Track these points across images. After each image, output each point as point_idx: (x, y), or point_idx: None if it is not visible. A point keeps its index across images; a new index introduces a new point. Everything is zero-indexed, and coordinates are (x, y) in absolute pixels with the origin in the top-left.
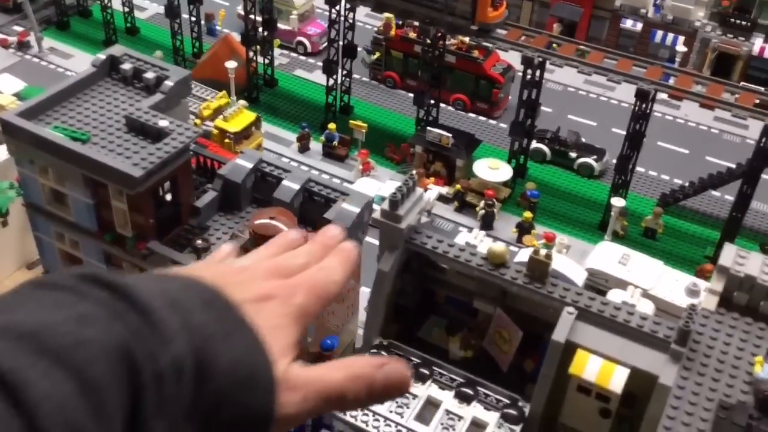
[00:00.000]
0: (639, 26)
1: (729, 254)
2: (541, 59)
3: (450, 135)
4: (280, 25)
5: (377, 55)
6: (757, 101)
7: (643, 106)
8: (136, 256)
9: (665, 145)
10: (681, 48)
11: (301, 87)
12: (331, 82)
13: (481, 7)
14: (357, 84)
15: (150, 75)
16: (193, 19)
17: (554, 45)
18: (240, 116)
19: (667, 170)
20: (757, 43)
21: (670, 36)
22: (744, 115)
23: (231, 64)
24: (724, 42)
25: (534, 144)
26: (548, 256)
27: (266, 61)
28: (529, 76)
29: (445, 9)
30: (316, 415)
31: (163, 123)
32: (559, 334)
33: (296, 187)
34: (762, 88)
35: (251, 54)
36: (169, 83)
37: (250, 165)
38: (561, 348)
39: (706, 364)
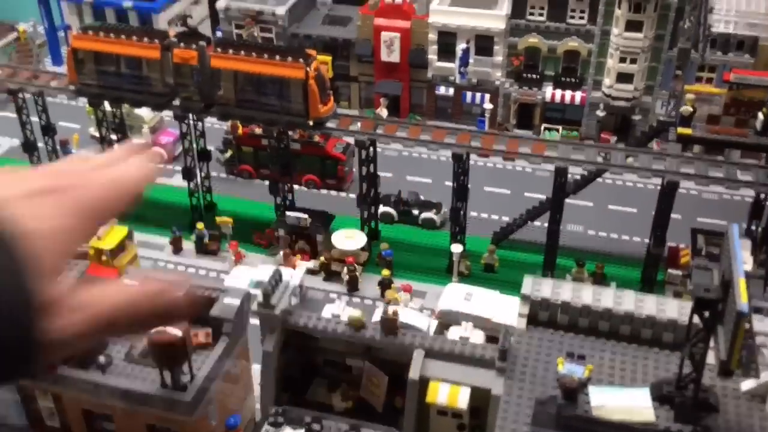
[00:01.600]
0: (451, 91)
1: (528, 284)
2: (370, 141)
3: (306, 216)
4: (135, 140)
5: (230, 152)
6: (549, 147)
7: (460, 165)
8: (47, 380)
9: (491, 189)
10: (488, 105)
11: (165, 193)
12: (193, 185)
13: (312, 105)
14: (217, 181)
15: None
16: (50, 148)
17: (380, 125)
18: (112, 233)
19: (495, 210)
20: (548, 91)
21: (479, 95)
22: (538, 162)
23: None
24: (521, 94)
25: (381, 208)
26: (395, 313)
27: None
28: (363, 156)
29: (282, 111)
30: (94, 338)
31: None
32: (414, 373)
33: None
34: (555, 136)
35: None
36: None
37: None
38: (417, 383)
39: (524, 372)
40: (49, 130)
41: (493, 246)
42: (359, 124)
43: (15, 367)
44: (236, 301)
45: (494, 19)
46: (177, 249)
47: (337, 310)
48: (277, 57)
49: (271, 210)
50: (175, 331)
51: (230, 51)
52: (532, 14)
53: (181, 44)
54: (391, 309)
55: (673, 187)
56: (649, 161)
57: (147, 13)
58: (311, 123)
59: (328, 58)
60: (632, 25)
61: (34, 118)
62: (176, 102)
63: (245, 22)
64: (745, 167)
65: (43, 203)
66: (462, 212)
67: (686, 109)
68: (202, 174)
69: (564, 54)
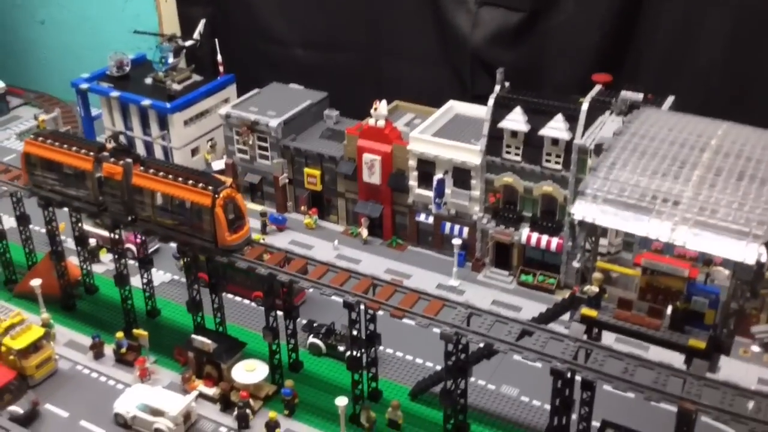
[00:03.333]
0: (431, 219)
1: None
2: (270, 276)
3: (209, 342)
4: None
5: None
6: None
7: (356, 313)
8: None
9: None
10: (457, 241)
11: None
12: (126, 292)
13: (219, 233)
14: (172, 284)
15: None
16: (25, 237)
17: (291, 258)
18: (27, 333)
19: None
20: (524, 232)
21: (457, 227)
22: (425, 324)
23: (35, 282)
24: (497, 232)
25: (310, 339)
26: None
27: (87, 269)
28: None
29: (193, 234)
30: None
31: None
32: None
33: None
34: (530, 281)
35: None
36: None
37: None
38: None
39: None
40: (23, 219)
41: (397, 401)
42: (268, 256)
43: None
44: None
45: (470, 153)
46: (98, 354)
47: None
48: (190, 182)
49: (211, 322)
50: None
51: (151, 171)
52: (508, 152)
53: (112, 159)
54: None
55: (563, 379)
56: (544, 341)
57: (163, 113)
58: (220, 250)
59: (317, 173)
60: None
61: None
62: (108, 212)
63: (242, 131)
64: (649, 366)
65: None
66: (369, 359)
67: (591, 289)
68: (144, 280)
69: (542, 197)
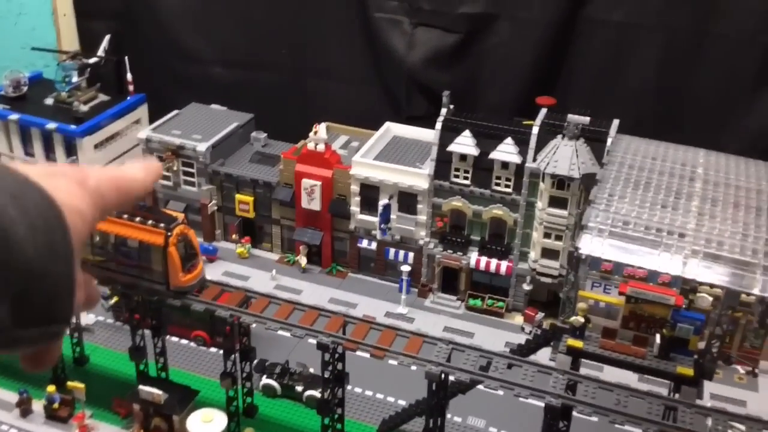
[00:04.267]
0: (374, 245)
1: None
2: (233, 317)
3: (159, 392)
4: None
5: (115, 298)
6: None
7: (331, 355)
8: None
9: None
10: (405, 268)
11: None
12: None
13: (172, 274)
14: (102, 328)
15: None
16: None
17: (252, 298)
18: None
19: (393, 393)
20: (473, 257)
21: (402, 252)
22: (408, 363)
23: None
24: (445, 257)
25: (264, 380)
26: None
27: None
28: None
29: (142, 276)
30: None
31: None
32: None
33: None
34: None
35: None
36: None
37: None
38: None
39: None
40: None
41: None
42: (225, 296)
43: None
44: None
45: (417, 177)
46: (25, 412)
47: None
48: (137, 219)
49: (152, 368)
50: None
51: None
52: (456, 176)
53: None
54: None
55: (554, 413)
56: (533, 376)
57: (71, 137)
58: (172, 292)
59: (250, 199)
60: (556, 201)
61: None
62: None
63: (165, 156)
64: (640, 396)
65: (57, 182)
66: (337, 400)
67: (576, 320)
68: (71, 325)
69: (491, 220)
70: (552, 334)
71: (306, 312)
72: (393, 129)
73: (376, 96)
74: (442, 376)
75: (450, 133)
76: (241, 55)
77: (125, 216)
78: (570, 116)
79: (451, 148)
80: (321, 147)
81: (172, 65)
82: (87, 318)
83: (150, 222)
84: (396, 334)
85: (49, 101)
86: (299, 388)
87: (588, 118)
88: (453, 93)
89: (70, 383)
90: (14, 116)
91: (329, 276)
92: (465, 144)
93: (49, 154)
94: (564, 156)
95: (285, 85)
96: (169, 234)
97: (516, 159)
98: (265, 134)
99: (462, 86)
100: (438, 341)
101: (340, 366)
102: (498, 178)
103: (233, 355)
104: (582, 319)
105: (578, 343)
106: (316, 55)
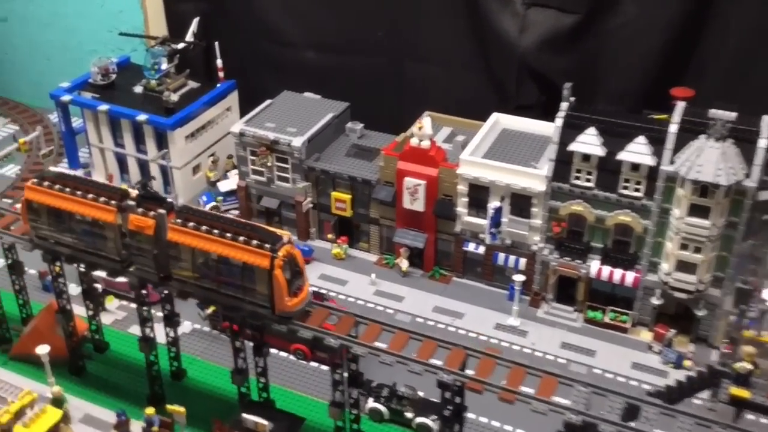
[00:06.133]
0: (481, 249)
1: None
2: (342, 346)
3: (265, 422)
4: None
5: (212, 308)
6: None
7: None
8: None
9: None
10: (519, 277)
11: (133, 349)
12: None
13: (278, 298)
14: (197, 337)
15: None
16: (18, 287)
17: (361, 323)
18: (42, 418)
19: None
20: (594, 265)
21: (513, 258)
22: (543, 409)
23: (42, 350)
24: (562, 265)
25: (370, 404)
26: None
27: (95, 323)
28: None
29: (244, 298)
30: None
31: None
32: None
33: None
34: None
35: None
36: None
37: None
38: None
39: None
40: (16, 267)
41: None
42: (337, 319)
43: None
44: None
45: (532, 179)
46: None
47: None
48: (241, 238)
49: (252, 384)
50: None
51: (190, 224)
52: (578, 178)
53: (140, 209)
54: None
55: None
56: (686, 428)
57: (162, 129)
58: (277, 317)
59: (347, 197)
60: (697, 210)
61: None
62: (133, 269)
63: (259, 151)
64: None
65: None
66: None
67: (742, 366)
68: (169, 338)
69: (615, 226)
70: (710, 378)
71: (423, 343)
72: (502, 121)
73: (480, 82)
74: (584, 426)
75: (571, 130)
76: (334, 38)
77: (228, 235)
78: (712, 111)
79: (574, 147)
80: (426, 143)
81: (262, 49)
82: (183, 327)
83: (255, 242)
84: (526, 372)
85: (138, 89)
86: (409, 415)
87: (734, 114)
88: (570, 81)
89: (169, 407)
90: (104, 107)
91: (432, 280)
92: (589, 143)
93: (140, 145)
94: (709, 160)
95: (381, 70)
96: (274, 256)
97: (649, 161)
98: (362, 125)
99: (580, 73)
100: (574, 382)
101: (458, 399)
102: (627, 180)
103: (344, 386)
104: (749, 366)
105: (744, 393)
106: (414, 38)
